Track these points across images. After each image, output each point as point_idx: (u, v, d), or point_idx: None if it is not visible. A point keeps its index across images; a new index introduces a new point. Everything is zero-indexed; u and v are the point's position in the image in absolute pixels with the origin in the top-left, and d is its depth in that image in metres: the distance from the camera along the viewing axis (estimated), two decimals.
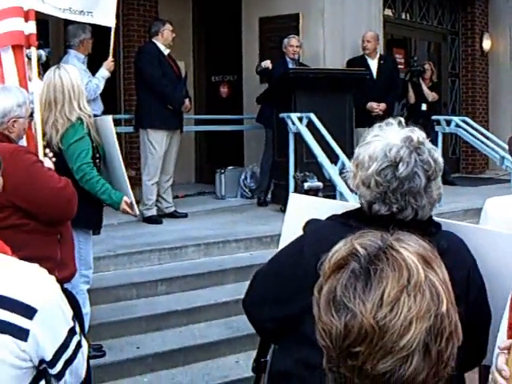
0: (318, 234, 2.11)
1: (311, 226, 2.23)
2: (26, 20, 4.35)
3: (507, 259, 2.15)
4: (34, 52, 4.47)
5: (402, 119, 2.16)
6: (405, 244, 1.32)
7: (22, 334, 1.74)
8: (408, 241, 1.34)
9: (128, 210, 4.61)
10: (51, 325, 1.81)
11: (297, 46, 8.82)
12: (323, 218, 2.22)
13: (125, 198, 4.58)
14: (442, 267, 1.34)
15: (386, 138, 2.06)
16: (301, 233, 2.24)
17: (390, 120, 2.15)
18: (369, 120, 8.70)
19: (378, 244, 1.31)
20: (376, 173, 2.03)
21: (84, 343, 1.97)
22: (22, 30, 4.34)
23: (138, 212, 4.78)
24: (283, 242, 2.43)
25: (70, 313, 1.90)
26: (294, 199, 2.61)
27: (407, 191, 2.03)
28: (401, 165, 2.01)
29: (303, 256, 2.09)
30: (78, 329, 1.92)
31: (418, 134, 2.09)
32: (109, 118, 4.89)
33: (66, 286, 4.32)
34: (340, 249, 1.34)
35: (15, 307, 1.74)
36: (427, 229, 2.07)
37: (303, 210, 2.49)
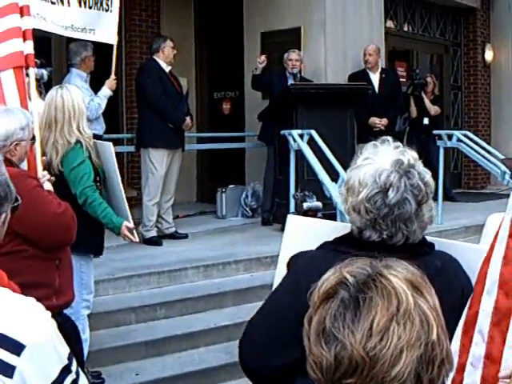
0: (313, 264, 2.07)
1: (300, 260, 2.19)
2: (24, 40, 4.34)
3: None
4: (32, 71, 4.45)
5: (390, 138, 2.16)
6: (394, 270, 1.32)
7: (7, 370, 1.67)
8: (397, 267, 1.33)
9: (128, 235, 4.60)
10: (41, 362, 1.72)
11: (296, 60, 8.78)
12: (322, 240, 2.20)
13: (125, 223, 4.57)
14: (431, 292, 1.34)
15: (376, 162, 2.06)
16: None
17: (385, 138, 2.16)
18: (371, 135, 8.79)
19: (367, 271, 1.31)
20: (366, 199, 2.03)
21: (82, 382, 1.86)
22: (22, 50, 4.33)
23: (137, 239, 4.77)
24: (281, 266, 2.39)
25: (65, 350, 1.81)
26: (292, 221, 2.58)
27: (397, 217, 2.02)
28: (390, 191, 2.01)
29: (301, 290, 2.07)
30: (74, 367, 1.81)
31: (409, 156, 2.08)
32: (109, 145, 4.87)
33: (66, 311, 4.35)
34: (329, 278, 1.34)
35: (2, 342, 1.67)
36: (420, 250, 2.08)
37: (301, 231, 2.48)
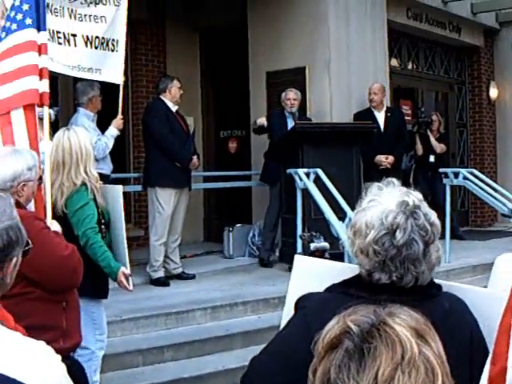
0: (323, 307, 2.04)
1: (310, 302, 2.17)
2: (41, 78, 4.35)
3: None
4: (46, 111, 4.43)
5: (395, 180, 2.16)
6: (398, 318, 1.31)
7: None
8: (401, 314, 1.33)
9: (124, 282, 4.51)
10: None
11: (294, 99, 8.80)
12: (329, 281, 2.18)
13: (122, 269, 4.50)
14: (436, 339, 1.33)
15: (382, 204, 2.05)
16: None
17: (390, 179, 2.15)
18: (377, 173, 8.83)
19: (371, 320, 1.31)
20: (373, 241, 2.02)
21: None
22: (37, 88, 4.33)
23: (131, 287, 4.66)
24: (288, 308, 2.36)
25: None
26: (300, 261, 2.55)
27: (406, 258, 2.01)
28: (398, 232, 2.00)
29: (311, 334, 2.05)
30: None
31: (414, 197, 2.07)
32: (119, 189, 4.86)
33: (82, 353, 4.33)
34: (333, 327, 1.33)
35: None
36: (428, 292, 2.07)
37: (309, 272, 2.46)
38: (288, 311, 2.33)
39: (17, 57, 4.33)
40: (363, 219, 2.06)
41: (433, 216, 2.08)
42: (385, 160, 9.16)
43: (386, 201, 2.06)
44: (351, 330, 1.29)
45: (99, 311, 4.75)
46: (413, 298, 1.97)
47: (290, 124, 8.73)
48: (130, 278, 4.53)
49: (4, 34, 4.38)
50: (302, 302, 2.18)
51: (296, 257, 2.57)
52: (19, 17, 4.34)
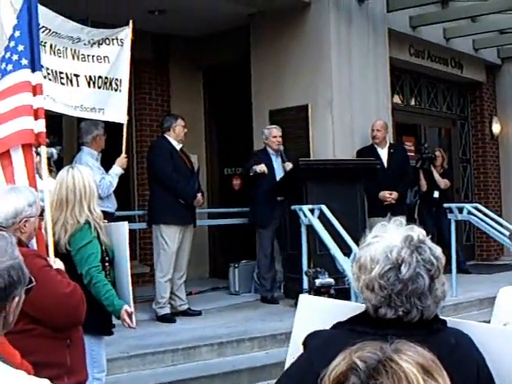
0: (328, 344, 2.04)
1: (315, 339, 2.17)
2: (36, 118, 4.36)
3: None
4: (43, 150, 4.44)
5: (402, 219, 2.17)
6: (404, 355, 1.31)
7: None
8: (407, 351, 1.32)
9: (127, 320, 4.48)
10: None
11: (280, 136, 8.77)
12: (334, 320, 2.17)
13: (125, 307, 4.48)
14: (443, 375, 1.32)
15: (386, 239, 2.06)
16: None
17: (394, 218, 2.16)
18: (382, 209, 8.84)
19: (378, 356, 1.30)
20: (379, 276, 2.02)
21: None
22: (32, 128, 4.35)
23: (134, 325, 4.65)
24: (293, 347, 2.37)
25: None
26: (304, 301, 2.55)
27: (412, 293, 2.02)
28: (403, 266, 2.01)
29: (313, 370, 2.05)
30: None
31: (418, 232, 2.08)
32: (125, 225, 4.85)
33: None
34: (339, 363, 1.33)
35: None
36: (434, 326, 2.07)
37: (313, 311, 2.45)
38: (293, 352, 2.33)
39: (12, 98, 4.34)
40: (368, 254, 2.07)
41: (437, 250, 2.09)
42: (389, 196, 9.17)
43: (390, 236, 2.07)
44: (357, 366, 1.29)
45: (99, 349, 4.71)
46: (418, 333, 1.98)
47: (276, 163, 8.71)
48: (132, 316, 4.50)
49: (0, 75, 4.43)
50: (309, 340, 2.18)
51: (301, 296, 2.58)
52: (15, 58, 4.35)
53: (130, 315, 4.48)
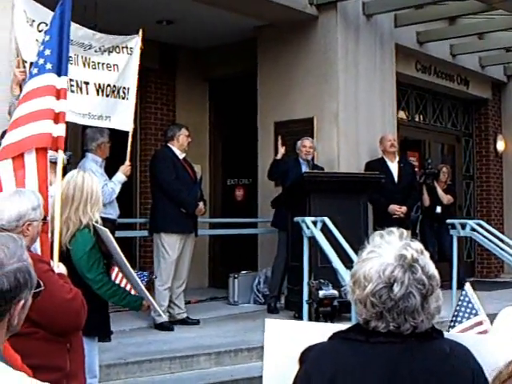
0: (322, 354, 2.11)
1: (311, 353, 2.16)
2: (57, 122, 4.36)
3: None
4: (60, 155, 4.43)
5: (405, 232, 2.18)
6: None
7: None
8: None
9: (152, 304, 4.62)
10: None
11: (310, 147, 8.91)
12: (305, 343, 2.18)
13: (143, 302, 4.57)
14: None
15: (381, 256, 2.08)
16: (291, 364, 2.18)
17: (391, 229, 2.17)
18: (390, 222, 8.80)
19: None
20: (371, 294, 2.05)
21: None
22: (50, 132, 4.34)
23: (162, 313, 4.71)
24: (267, 372, 2.35)
25: None
26: (272, 327, 2.40)
27: (403, 310, 2.04)
28: (395, 285, 2.03)
29: (310, 379, 2.06)
30: None
31: (413, 250, 2.09)
32: (106, 231, 4.83)
33: None
34: None
35: None
36: (427, 335, 2.08)
37: (283, 336, 2.37)
38: (268, 377, 2.34)
39: (34, 100, 4.35)
40: (362, 271, 2.09)
41: (431, 268, 2.10)
42: (398, 209, 9.19)
43: (384, 253, 2.09)
44: None
45: (91, 353, 4.63)
46: (411, 341, 2.04)
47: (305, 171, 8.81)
48: (155, 305, 4.68)
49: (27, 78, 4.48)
50: (305, 356, 2.18)
51: (266, 321, 2.44)
52: (40, 61, 4.41)
53: (148, 307, 4.62)
